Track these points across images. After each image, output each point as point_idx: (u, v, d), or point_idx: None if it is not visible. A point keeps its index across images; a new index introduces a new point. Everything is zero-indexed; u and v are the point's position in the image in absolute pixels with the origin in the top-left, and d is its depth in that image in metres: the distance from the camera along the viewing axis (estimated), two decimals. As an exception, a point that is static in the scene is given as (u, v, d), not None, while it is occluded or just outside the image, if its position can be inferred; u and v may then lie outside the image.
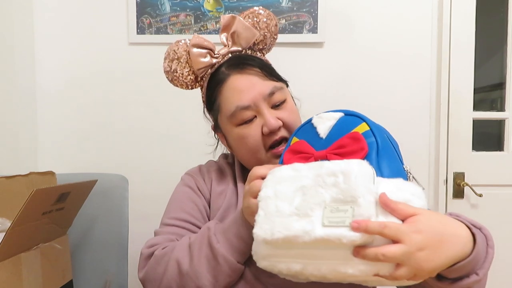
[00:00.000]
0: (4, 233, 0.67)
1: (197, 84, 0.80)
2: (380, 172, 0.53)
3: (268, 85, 0.72)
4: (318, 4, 1.35)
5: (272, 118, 0.70)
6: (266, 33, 0.78)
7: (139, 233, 1.18)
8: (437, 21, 1.39)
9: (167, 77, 0.80)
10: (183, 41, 0.78)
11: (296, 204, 0.51)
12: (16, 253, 0.72)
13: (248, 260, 0.65)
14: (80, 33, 1.39)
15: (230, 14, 0.77)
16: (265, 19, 0.78)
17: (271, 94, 0.72)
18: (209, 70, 0.77)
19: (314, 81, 1.39)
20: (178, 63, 0.77)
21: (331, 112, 0.62)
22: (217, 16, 1.36)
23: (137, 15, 1.36)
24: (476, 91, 1.40)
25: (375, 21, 1.38)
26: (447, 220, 0.50)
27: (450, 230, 0.48)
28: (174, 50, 0.77)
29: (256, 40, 0.78)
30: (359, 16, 1.39)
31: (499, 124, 1.47)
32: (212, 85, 0.76)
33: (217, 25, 1.37)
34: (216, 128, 0.81)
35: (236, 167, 0.81)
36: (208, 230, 0.66)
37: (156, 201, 1.37)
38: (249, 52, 0.79)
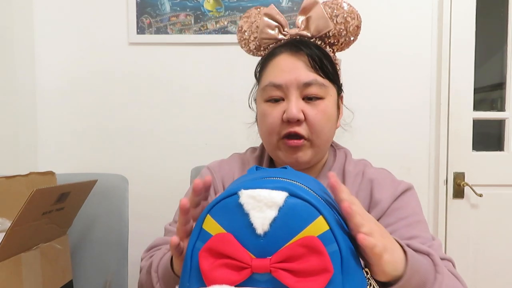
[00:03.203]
0: (4, 233, 0.67)
1: (259, 53, 0.79)
2: None
3: (309, 75, 0.68)
4: (318, 4, 1.35)
5: (295, 107, 0.66)
6: (341, 30, 0.72)
7: (139, 233, 1.18)
8: (437, 21, 1.39)
9: (237, 35, 0.81)
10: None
11: None
12: (16, 253, 0.72)
13: None
14: (80, 33, 1.39)
15: None
16: (345, 15, 0.72)
17: (307, 84, 0.68)
18: (273, 44, 0.75)
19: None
20: (250, 26, 0.78)
21: (268, 190, 0.40)
22: (217, 16, 1.36)
23: (137, 15, 1.36)
24: (476, 91, 1.40)
25: (375, 21, 1.38)
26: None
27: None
28: (253, 13, 0.78)
29: (329, 32, 0.72)
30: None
31: (499, 124, 1.47)
32: (266, 57, 0.75)
33: (217, 25, 1.37)
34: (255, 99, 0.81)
35: (265, 160, 0.78)
36: (151, 265, 0.63)
37: (156, 201, 1.37)
38: (318, 42, 0.73)
